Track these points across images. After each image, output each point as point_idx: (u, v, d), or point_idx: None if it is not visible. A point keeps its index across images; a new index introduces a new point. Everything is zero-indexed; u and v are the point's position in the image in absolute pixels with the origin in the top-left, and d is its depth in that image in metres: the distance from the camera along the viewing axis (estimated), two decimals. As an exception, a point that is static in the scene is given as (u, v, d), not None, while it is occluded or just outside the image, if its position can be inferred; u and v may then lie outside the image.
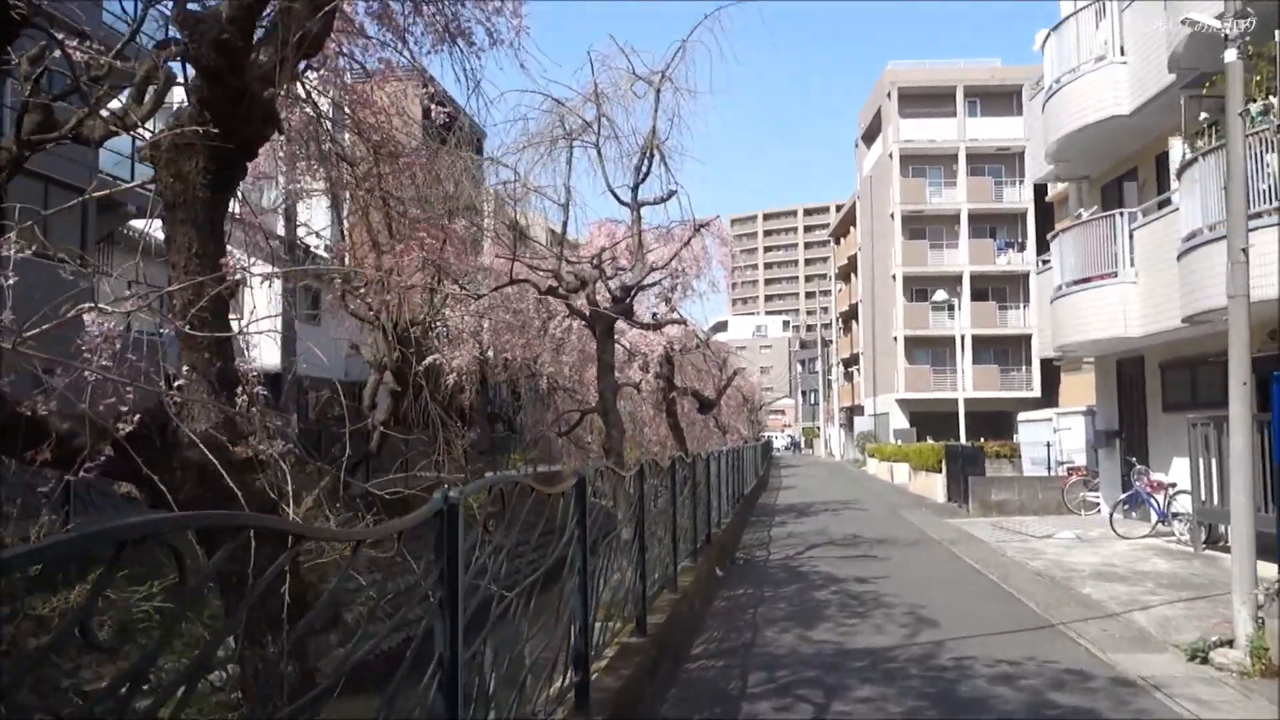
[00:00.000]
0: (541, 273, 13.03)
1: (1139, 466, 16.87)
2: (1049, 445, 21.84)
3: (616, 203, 13.43)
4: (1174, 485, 15.37)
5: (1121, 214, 15.79)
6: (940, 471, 26.33)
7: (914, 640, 8.96)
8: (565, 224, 13.64)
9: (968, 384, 47.33)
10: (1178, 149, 14.47)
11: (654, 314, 19.85)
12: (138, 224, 21.99)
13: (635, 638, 7.17)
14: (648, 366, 17.86)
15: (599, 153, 12.70)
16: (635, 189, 13.38)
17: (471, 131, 13.28)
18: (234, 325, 5.52)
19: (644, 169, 13.25)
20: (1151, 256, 14.77)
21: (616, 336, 18.23)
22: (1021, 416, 26.14)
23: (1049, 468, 21.90)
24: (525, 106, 16.37)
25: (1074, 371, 40.28)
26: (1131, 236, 15.45)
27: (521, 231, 13.31)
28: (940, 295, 31.90)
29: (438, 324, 16.84)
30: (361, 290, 16.96)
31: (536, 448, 26.14)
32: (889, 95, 52.78)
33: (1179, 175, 13.23)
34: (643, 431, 23.95)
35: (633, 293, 12.69)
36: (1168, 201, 14.74)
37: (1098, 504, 19.45)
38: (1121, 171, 18.04)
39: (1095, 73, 16.00)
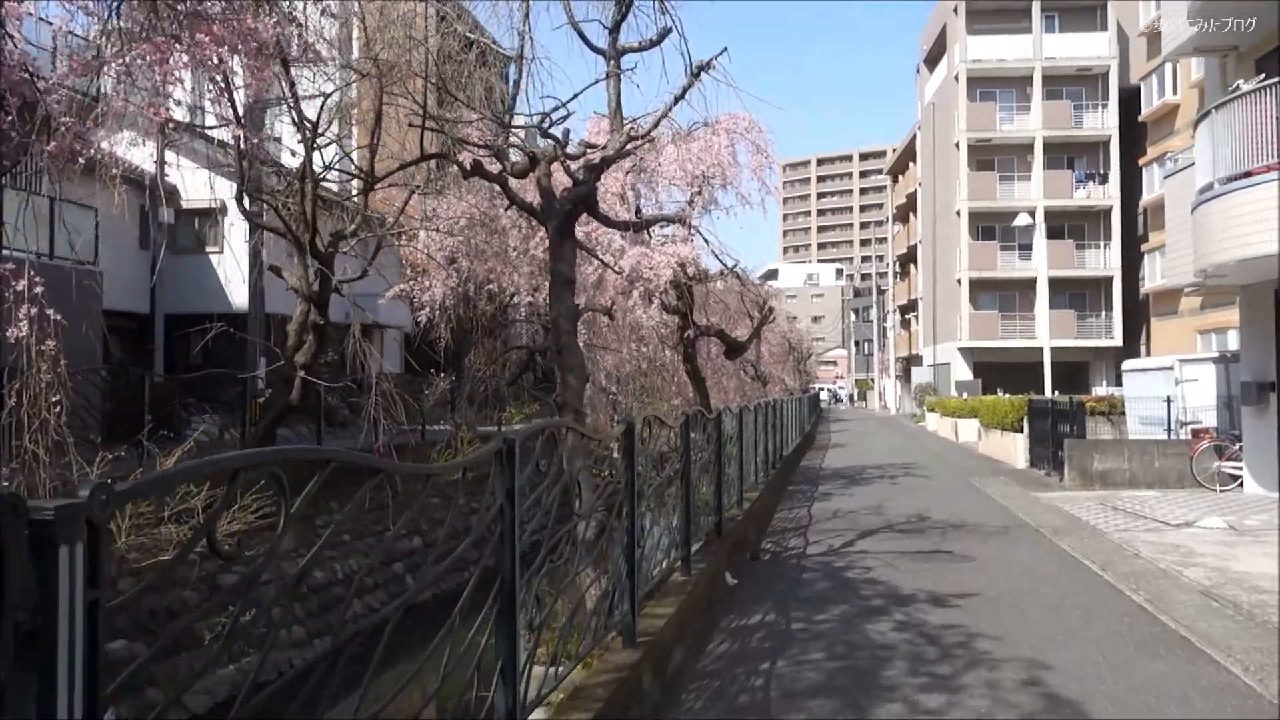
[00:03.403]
0: (474, 147, 8.94)
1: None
2: (1169, 401, 17.34)
3: (588, 50, 9.24)
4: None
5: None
6: (1020, 431, 21.93)
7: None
8: (519, 81, 9.56)
9: (1045, 331, 42.59)
10: None
11: (663, 229, 15.68)
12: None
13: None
14: (651, 296, 13.71)
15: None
16: (615, 29, 9.19)
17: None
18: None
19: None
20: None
21: (608, 255, 14.15)
22: (1127, 365, 21.53)
23: (1168, 429, 17.42)
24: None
25: (1169, 316, 35.41)
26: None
27: (447, 89, 9.17)
28: (1023, 219, 27.14)
29: (362, 234, 12.86)
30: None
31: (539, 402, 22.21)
32: (955, 10, 47.35)
33: None
34: (658, 379, 19.95)
35: (601, 171, 8.54)
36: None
37: (1239, 477, 15.04)
38: (1286, 38, 13.43)
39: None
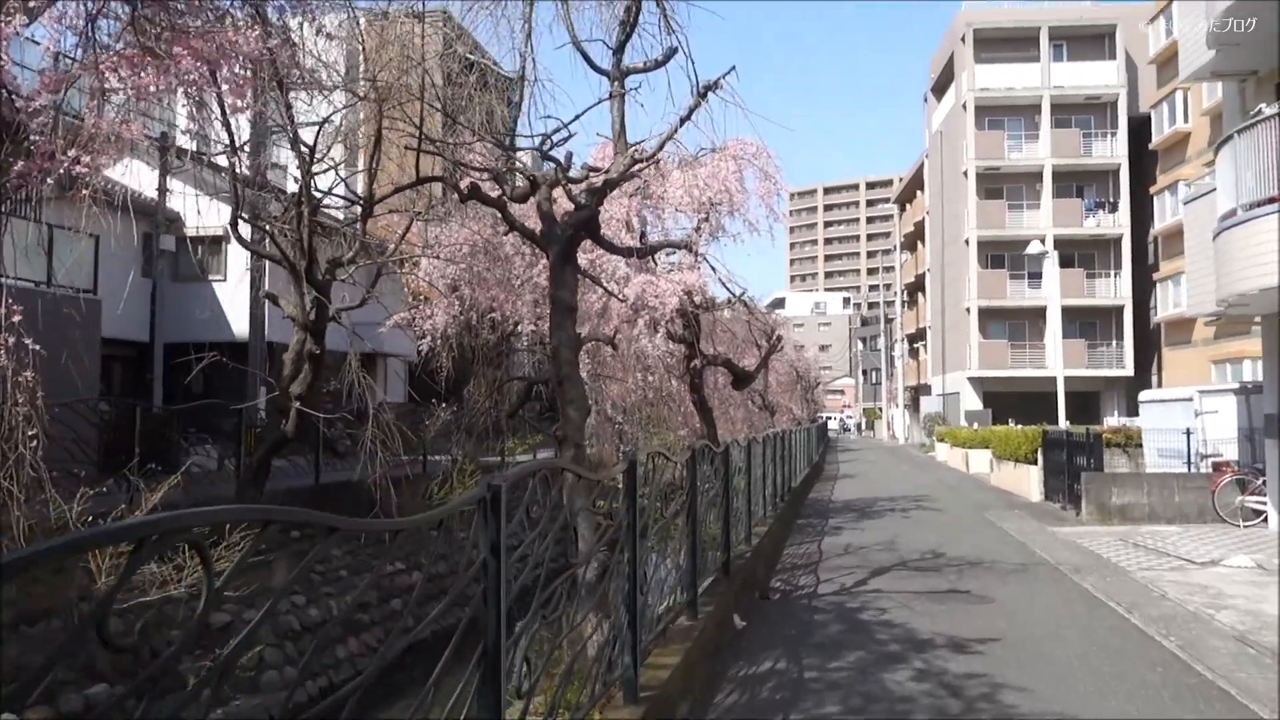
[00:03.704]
0: (472, 171, 8.62)
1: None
2: (1188, 433, 16.86)
3: (591, 71, 8.93)
4: None
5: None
6: (1034, 463, 21.46)
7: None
8: (520, 104, 9.26)
9: (1055, 361, 42.09)
10: None
11: (669, 257, 15.37)
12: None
13: None
14: (656, 325, 13.35)
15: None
16: (619, 50, 8.90)
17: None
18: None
19: (632, 19, 8.78)
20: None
21: (613, 283, 13.81)
22: (1144, 396, 21.07)
23: (1188, 461, 16.94)
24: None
25: (1182, 346, 34.96)
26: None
27: (446, 111, 8.86)
28: (1036, 247, 26.74)
29: (361, 262, 12.54)
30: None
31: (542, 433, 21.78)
32: (963, 39, 47.25)
33: None
34: (664, 409, 19.53)
35: (604, 195, 8.19)
36: None
37: (1263, 512, 14.57)
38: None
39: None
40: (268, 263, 16.94)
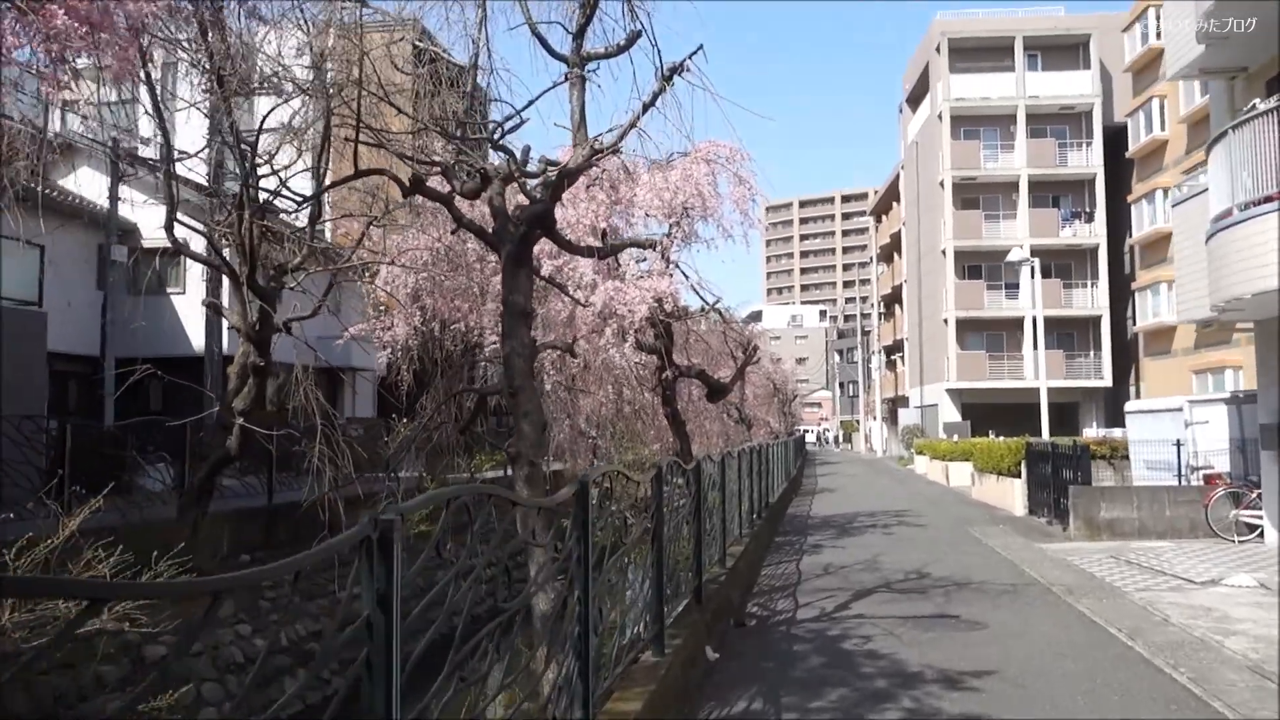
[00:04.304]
0: (417, 164, 7.87)
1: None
2: (1178, 444, 16.28)
3: (552, 60, 8.22)
4: None
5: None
6: (1017, 475, 20.86)
7: None
8: (472, 88, 8.57)
9: (1033, 371, 41.66)
10: None
11: (639, 264, 14.67)
12: None
13: None
14: (625, 334, 12.62)
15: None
16: (579, 35, 8.20)
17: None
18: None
19: (592, 1, 8.09)
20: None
21: (580, 291, 13.09)
22: (1131, 406, 20.48)
23: (1179, 474, 16.35)
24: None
25: (1161, 356, 34.59)
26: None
27: (388, 98, 8.12)
28: (1018, 254, 26.26)
29: (311, 269, 11.78)
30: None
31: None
32: (938, 49, 47.00)
33: None
34: (639, 423, 18.81)
35: (561, 188, 7.47)
36: None
37: (1258, 526, 13.99)
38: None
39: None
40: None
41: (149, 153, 21.07)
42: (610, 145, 7.49)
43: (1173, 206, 15.76)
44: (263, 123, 10.48)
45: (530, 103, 7.58)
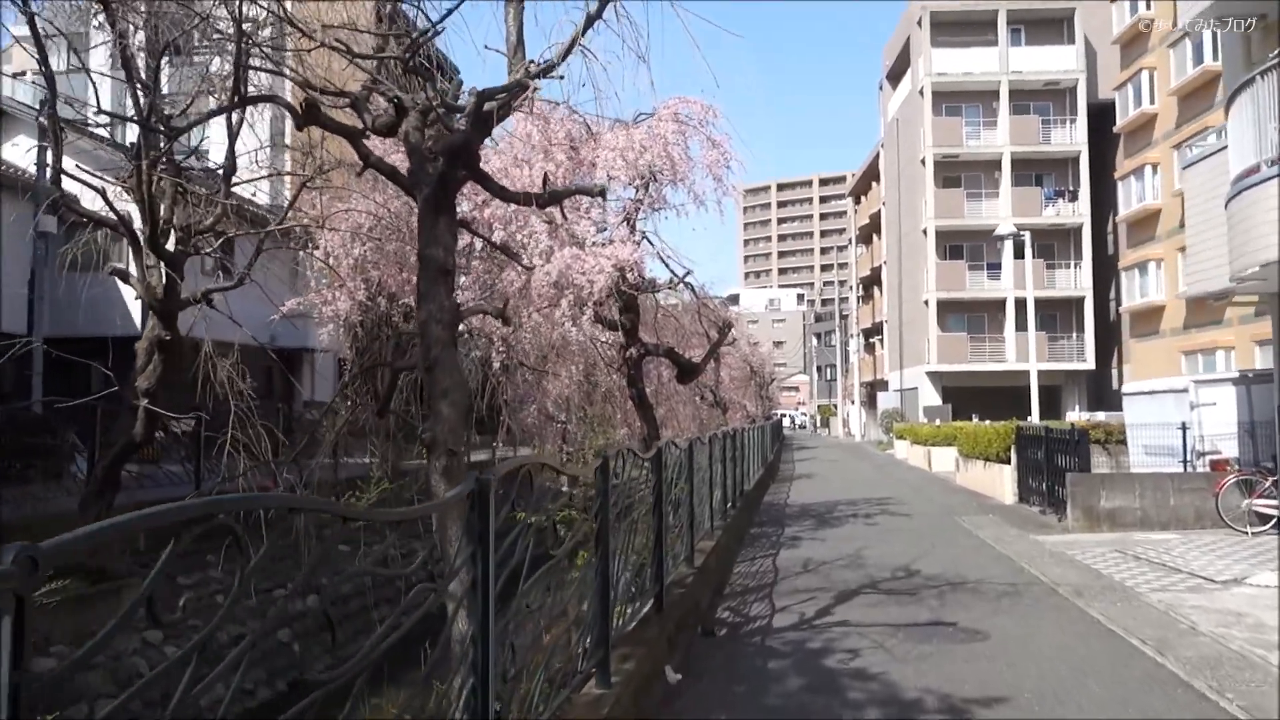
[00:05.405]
0: (324, 96, 6.53)
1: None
2: (1184, 428, 15.16)
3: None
4: None
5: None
6: (1006, 461, 19.75)
7: None
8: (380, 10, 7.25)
9: (1015, 354, 40.65)
10: None
11: (600, 232, 13.42)
12: None
13: None
14: (582, 305, 11.33)
15: None
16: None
17: None
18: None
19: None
20: None
21: (537, 260, 11.79)
22: (1129, 388, 19.34)
23: (1184, 460, 15.23)
24: None
25: (1149, 337, 33.60)
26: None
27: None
28: (1006, 228, 25.15)
29: (230, 232, 10.39)
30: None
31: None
32: (919, 23, 45.75)
33: None
34: (607, 406, 17.59)
35: (490, 120, 6.17)
36: None
37: (1273, 517, 12.89)
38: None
39: None
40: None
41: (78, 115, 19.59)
42: (550, 65, 6.16)
43: (1183, 169, 14.60)
44: (163, 50, 9.05)
45: (451, 10, 6.25)
